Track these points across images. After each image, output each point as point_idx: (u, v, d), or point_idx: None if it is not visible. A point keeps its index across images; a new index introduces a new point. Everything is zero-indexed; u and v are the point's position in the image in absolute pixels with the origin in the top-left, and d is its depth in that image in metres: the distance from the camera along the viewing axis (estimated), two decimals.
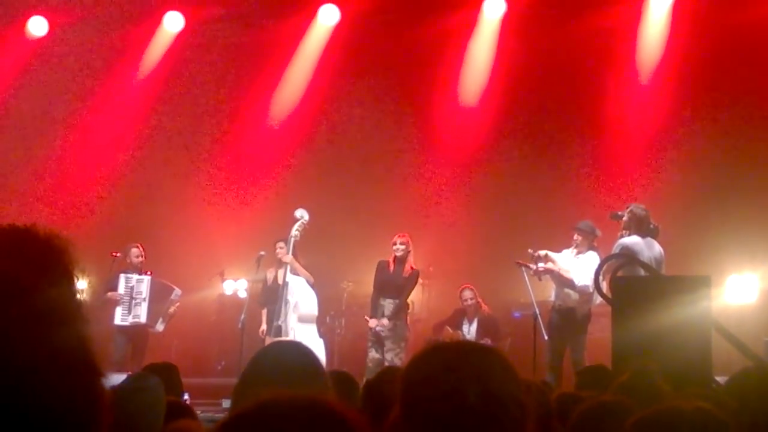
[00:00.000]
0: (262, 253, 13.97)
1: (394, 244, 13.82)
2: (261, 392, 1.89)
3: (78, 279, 2.85)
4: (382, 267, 13.95)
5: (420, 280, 16.63)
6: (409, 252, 13.85)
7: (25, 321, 1.53)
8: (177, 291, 15.03)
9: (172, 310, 14.95)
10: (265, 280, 14.11)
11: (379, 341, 13.58)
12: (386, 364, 12.85)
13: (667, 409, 3.08)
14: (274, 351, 3.70)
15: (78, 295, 2.92)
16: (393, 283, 13.76)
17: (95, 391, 1.58)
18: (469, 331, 14.94)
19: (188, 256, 17.08)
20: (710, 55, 16.28)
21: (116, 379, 5.41)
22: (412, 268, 13.92)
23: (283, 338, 13.04)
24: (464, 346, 2.76)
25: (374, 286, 13.94)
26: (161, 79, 18.12)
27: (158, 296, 14.76)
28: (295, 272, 13.69)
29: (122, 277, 14.67)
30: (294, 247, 13.72)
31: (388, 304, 13.67)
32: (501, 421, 2.53)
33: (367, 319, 13.77)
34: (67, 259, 2.83)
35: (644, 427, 2.97)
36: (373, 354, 13.55)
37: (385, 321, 13.54)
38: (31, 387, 1.48)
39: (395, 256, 13.83)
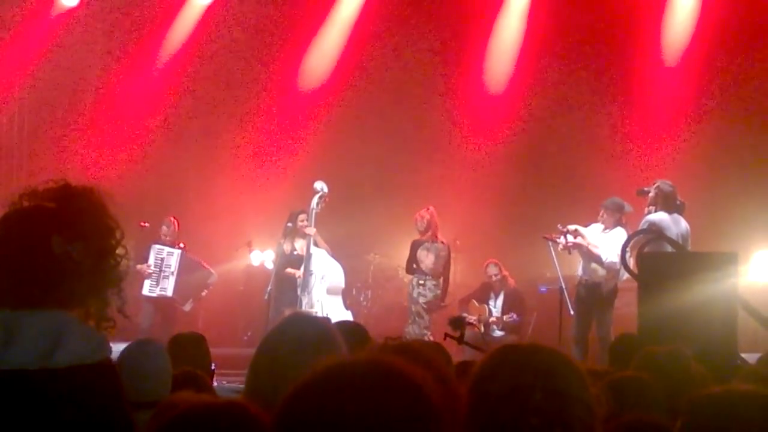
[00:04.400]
0: (290, 224, 13.99)
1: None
2: (277, 364, 1.88)
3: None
4: (416, 244, 14.11)
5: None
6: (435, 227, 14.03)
7: None
8: (214, 276, 15.19)
9: (204, 293, 15.08)
10: (282, 251, 14.12)
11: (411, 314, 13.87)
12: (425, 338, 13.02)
13: (726, 391, 3.02)
14: (292, 323, 3.72)
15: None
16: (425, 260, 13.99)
17: None
18: (495, 305, 14.96)
19: (216, 226, 17.15)
20: (739, 31, 16.19)
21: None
22: (442, 241, 14.08)
23: (308, 309, 13.15)
24: (532, 347, 2.76)
25: (410, 261, 14.14)
26: (189, 52, 18.13)
27: (187, 270, 14.84)
28: (316, 244, 13.75)
29: (154, 248, 14.76)
30: (314, 219, 13.77)
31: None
32: (566, 419, 2.53)
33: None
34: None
35: (704, 407, 2.92)
36: (413, 329, 13.69)
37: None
38: None
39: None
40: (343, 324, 6.45)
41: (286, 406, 1.84)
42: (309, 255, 13.63)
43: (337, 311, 13.12)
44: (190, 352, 6.45)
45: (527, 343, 2.83)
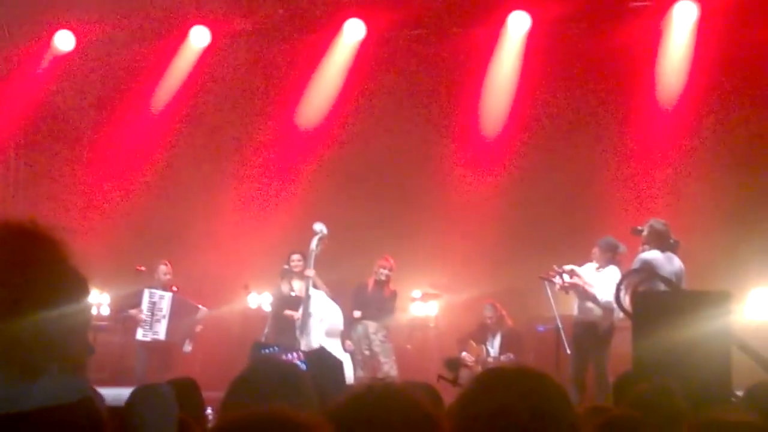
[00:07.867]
0: (287, 266, 14.03)
1: (382, 267, 14.27)
2: (243, 408, 1.94)
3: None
4: (361, 288, 14.35)
5: (444, 294, 16.79)
6: (390, 277, 14.30)
7: None
8: (203, 310, 15.12)
9: (198, 329, 15.03)
10: (281, 292, 14.17)
11: (366, 360, 13.98)
12: (382, 376, 13.18)
13: (716, 421, 3.01)
14: (257, 369, 3.77)
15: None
16: (373, 305, 14.15)
17: None
18: (493, 345, 14.96)
19: (213, 269, 17.15)
20: (732, 72, 16.29)
21: None
22: (391, 289, 14.38)
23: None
24: (518, 369, 2.79)
25: (352, 307, 14.19)
26: (186, 95, 18.21)
27: (179, 313, 14.79)
28: (315, 286, 13.77)
29: (147, 292, 14.72)
30: (313, 260, 13.80)
31: (370, 325, 14.08)
32: None
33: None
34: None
35: None
36: (360, 374, 13.72)
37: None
38: None
39: (376, 279, 14.28)
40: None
41: None
42: (308, 296, 13.64)
43: (335, 354, 13.10)
44: (181, 398, 6.41)
45: (513, 365, 2.84)
